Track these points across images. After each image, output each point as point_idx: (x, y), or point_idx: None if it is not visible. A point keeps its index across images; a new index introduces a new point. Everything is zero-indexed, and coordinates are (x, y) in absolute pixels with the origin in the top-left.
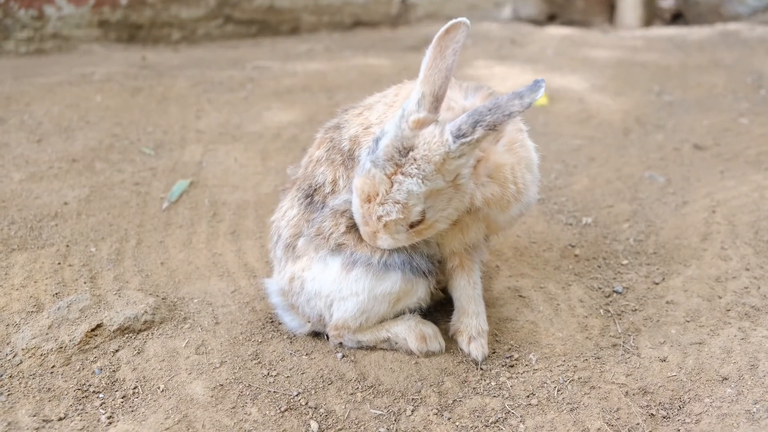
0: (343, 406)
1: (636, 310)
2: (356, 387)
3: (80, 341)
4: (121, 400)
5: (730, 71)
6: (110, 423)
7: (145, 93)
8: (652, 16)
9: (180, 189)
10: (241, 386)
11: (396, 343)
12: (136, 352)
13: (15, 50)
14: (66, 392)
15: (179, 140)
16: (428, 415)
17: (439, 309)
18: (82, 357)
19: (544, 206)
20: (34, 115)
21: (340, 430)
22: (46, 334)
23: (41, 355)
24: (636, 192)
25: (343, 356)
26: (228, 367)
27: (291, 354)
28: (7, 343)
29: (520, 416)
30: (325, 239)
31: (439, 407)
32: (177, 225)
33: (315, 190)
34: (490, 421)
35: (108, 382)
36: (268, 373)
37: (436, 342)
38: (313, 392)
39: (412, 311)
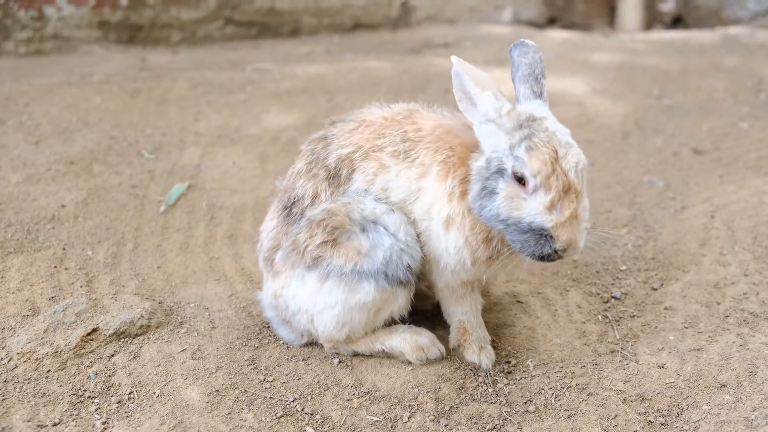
0: (340, 413)
1: (634, 316)
2: (353, 393)
3: (76, 345)
4: (117, 405)
5: (730, 75)
6: (105, 428)
7: (144, 95)
8: (652, 19)
9: (178, 192)
10: (237, 392)
11: (393, 356)
12: (131, 356)
13: (15, 51)
14: (61, 397)
15: (178, 143)
16: (425, 422)
17: (436, 314)
18: (78, 361)
19: None
20: (32, 116)
21: None
22: (42, 338)
23: (36, 359)
24: (635, 197)
25: (340, 362)
26: (224, 373)
27: (287, 359)
28: (2, 347)
29: (518, 423)
30: (300, 254)
31: (436, 414)
32: (174, 228)
33: (294, 202)
34: (487, 428)
35: (103, 387)
36: (265, 379)
37: (435, 349)
38: (309, 398)
39: (403, 321)
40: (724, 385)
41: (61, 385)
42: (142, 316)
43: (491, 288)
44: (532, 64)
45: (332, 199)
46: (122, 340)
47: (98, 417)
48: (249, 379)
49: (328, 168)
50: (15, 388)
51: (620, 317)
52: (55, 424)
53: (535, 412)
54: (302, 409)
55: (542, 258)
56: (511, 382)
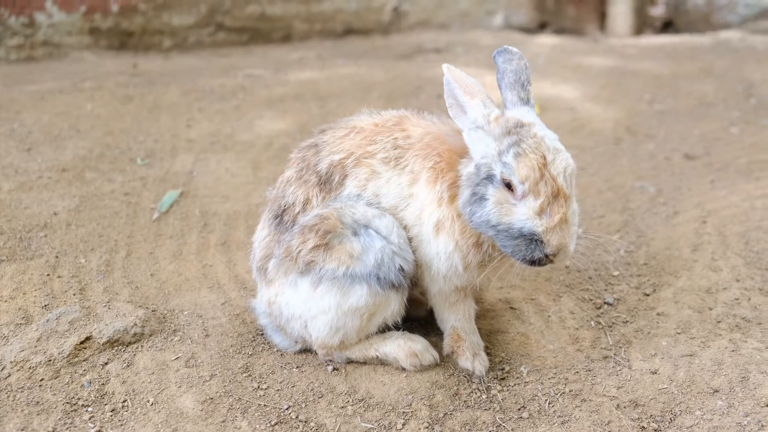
0: (334, 420)
1: (627, 321)
2: (347, 400)
3: (69, 354)
4: (110, 413)
5: (720, 80)
6: None
7: (136, 101)
8: (643, 24)
9: (170, 199)
10: (231, 400)
11: (387, 362)
12: (125, 365)
13: (5, 57)
14: (54, 406)
15: (170, 149)
16: (419, 429)
17: (430, 321)
18: (71, 370)
19: None
20: (24, 123)
21: None
22: (35, 346)
23: (30, 368)
24: (627, 202)
25: (334, 369)
26: (218, 381)
27: (281, 367)
28: None
29: (512, 429)
30: (293, 260)
31: (430, 421)
32: (167, 236)
33: (284, 210)
34: None
35: (97, 395)
36: (259, 387)
37: (429, 355)
38: (303, 405)
39: (397, 327)
40: (717, 391)
41: (54, 394)
42: (135, 324)
43: (484, 294)
44: (518, 71)
45: (324, 205)
46: (116, 348)
47: (92, 426)
48: (243, 386)
49: (319, 174)
50: (8, 397)
51: (613, 323)
52: None
53: (528, 418)
54: (296, 417)
55: (533, 263)
56: (505, 388)
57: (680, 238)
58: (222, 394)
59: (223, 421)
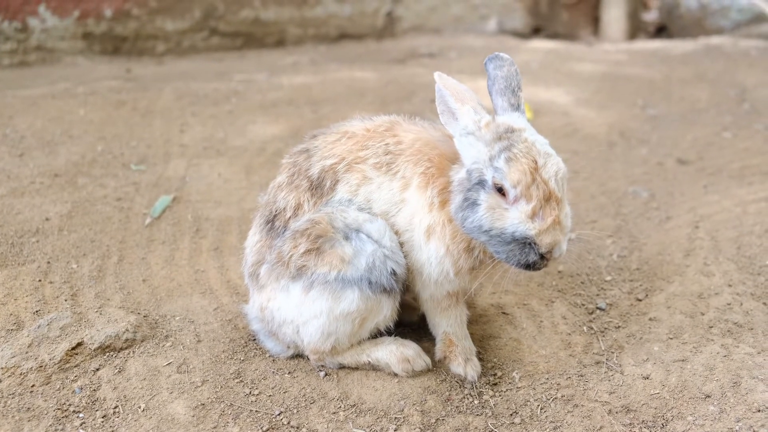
0: (326, 426)
1: (619, 327)
2: (339, 406)
3: (60, 360)
4: (102, 419)
5: (713, 85)
6: None
7: (129, 106)
8: (636, 29)
9: (163, 204)
10: (222, 405)
11: (379, 368)
12: (117, 370)
13: None
14: (46, 412)
15: (163, 154)
16: None
17: (422, 326)
18: (63, 376)
19: None
20: (16, 128)
21: None
22: (26, 352)
23: (21, 374)
24: (620, 207)
25: (326, 375)
26: (210, 386)
27: (273, 372)
28: None
29: None
30: (284, 265)
31: (422, 426)
32: (159, 241)
33: (276, 215)
34: None
35: (88, 401)
36: (250, 392)
37: (421, 360)
38: (295, 411)
39: (389, 333)
40: (709, 396)
41: (45, 400)
42: (127, 330)
43: (476, 299)
44: (509, 77)
45: (315, 209)
46: (107, 354)
47: None
48: (235, 392)
49: (310, 179)
50: None
51: (605, 328)
52: None
53: (521, 424)
54: (288, 422)
55: (528, 266)
56: (497, 393)
57: (673, 242)
58: (213, 399)
59: (215, 427)
